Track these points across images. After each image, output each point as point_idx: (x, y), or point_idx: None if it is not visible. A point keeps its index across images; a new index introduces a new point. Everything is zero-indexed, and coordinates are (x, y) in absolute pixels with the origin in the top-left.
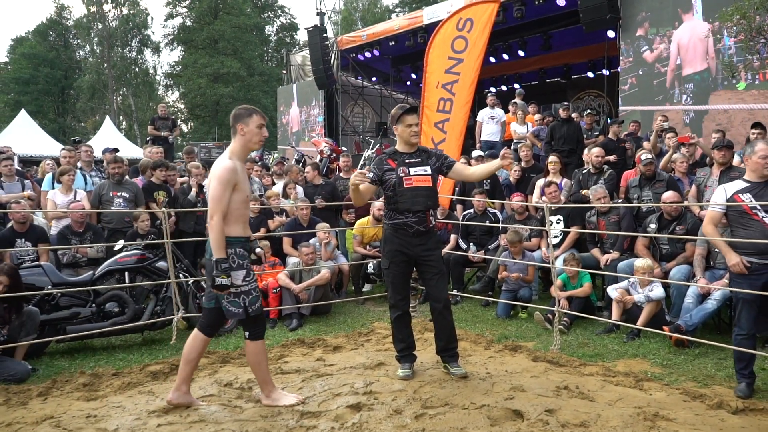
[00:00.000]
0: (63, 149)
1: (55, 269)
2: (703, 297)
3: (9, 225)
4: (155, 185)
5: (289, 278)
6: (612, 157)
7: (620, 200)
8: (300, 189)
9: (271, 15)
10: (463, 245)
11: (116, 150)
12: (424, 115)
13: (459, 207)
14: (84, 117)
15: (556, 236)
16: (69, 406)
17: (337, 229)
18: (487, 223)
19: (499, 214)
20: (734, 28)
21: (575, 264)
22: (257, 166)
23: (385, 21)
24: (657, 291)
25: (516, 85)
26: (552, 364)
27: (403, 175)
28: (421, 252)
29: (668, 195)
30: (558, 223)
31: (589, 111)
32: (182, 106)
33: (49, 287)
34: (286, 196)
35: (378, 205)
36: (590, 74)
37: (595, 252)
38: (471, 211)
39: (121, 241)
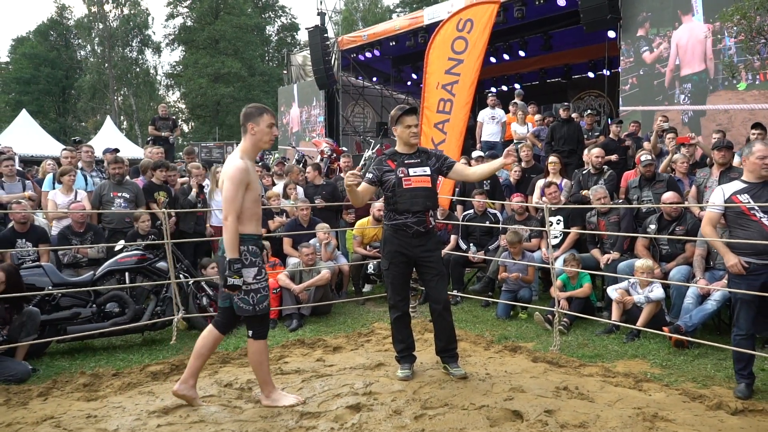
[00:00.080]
0: (64, 149)
1: (56, 269)
2: (703, 298)
3: (10, 225)
4: (156, 186)
5: (289, 278)
6: (613, 157)
7: (620, 201)
8: (300, 189)
9: (272, 15)
10: (463, 246)
11: (117, 150)
12: (424, 115)
13: (459, 207)
14: (85, 117)
15: (556, 237)
16: (69, 407)
17: (337, 230)
18: (487, 224)
19: (499, 214)
20: (734, 28)
21: (575, 264)
22: (258, 167)
23: (385, 21)
24: (657, 292)
25: (516, 86)
26: (552, 365)
27: (402, 175)
28: (421, 253)
29: (668, 195)
30: (558, 223)
31: (589, 111)
32: (183, 106)
33: (50, 287)
34: (286, 196)
35: (378, 205)
36: (591, 74)
37: (595, 252)
38: (471, 211)
39: (122, 242)
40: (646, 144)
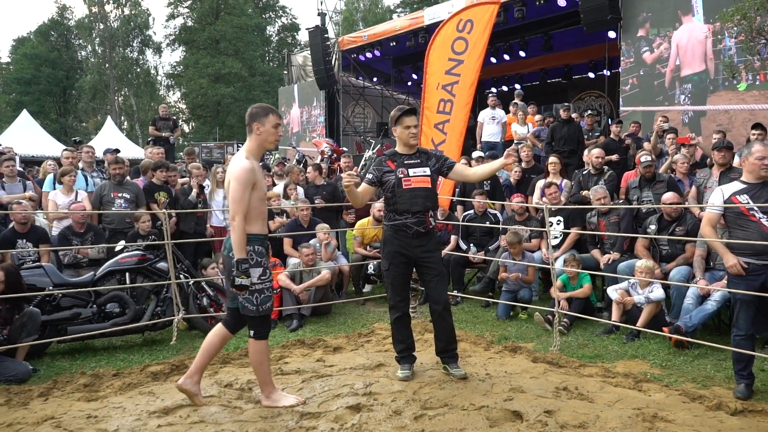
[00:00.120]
0: (64, 150)
1: (56, 270)
2: (703, 298)
3: (10, 226)
4: (156, 186)
5: (289, 279)
6: (614, 157)
7: (620, 201)
8: (300, 190)
9: (273, 15)
10: (464, 246)
11: (117, 151)
12: (425, 116)
13: (459, 208)
14: (85, 117)
15: (556, 237)
16: (70, 407)
17: (337, 230)
18: (488, 224)
19: (499, 215)
20: (735, 28)
21: (576, 265)
22: None
23: (386, 21)
24: (657, 292)
25: (517, 86)
26: (551, 365)
27: (401, 176)
28: (421, 253)
29: (668, 196)
30: (558, 224)
31: (590, 112)
32: (183, 107)
33: (50, 288)
34: (286, 196)
35: (378, 206)
36: (591, 75)
37: (595, 253)
38: (471, 212)
39: (122, 242)
40: (646, 144)
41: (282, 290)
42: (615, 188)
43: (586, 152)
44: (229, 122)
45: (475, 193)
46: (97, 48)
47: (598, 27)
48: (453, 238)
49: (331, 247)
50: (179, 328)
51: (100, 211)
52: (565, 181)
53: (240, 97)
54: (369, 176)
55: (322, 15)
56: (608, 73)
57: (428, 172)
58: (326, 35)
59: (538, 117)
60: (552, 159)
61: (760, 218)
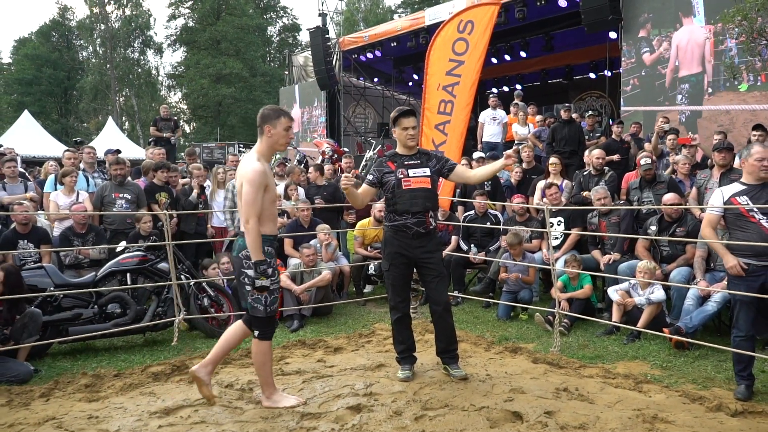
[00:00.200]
0: (66, 150)
1: (58, 270)
2: (704, 299)
3: (12, 226)
4: (157, 187)
5: (290, 279)
6: (615, 157)
7: (621, 202)
8: (301, 190)
9: (274, 16)
10: (464, 247)
11: (118, 151)
12: (425, 117)
13: (460, 208)
14: (87, 118)
15: (556, 238)
16: (71, 407)
17: (338, 231)
18: (488, 225)
19: (500, 215)
20: (736, 29)
21: (576, 265)
22: None
23: (387, 22)
24: (658, 293)
25: (517, 86)
26: (552, 366)
27: (401, 176)
28: (421, 254)
29: (669, 197)
30: (559, 224)
31: (590, 112)
32: (185, 107)
33: (52, 288)
34: (287, 197)
35: (379, 206)
36: (592, 75)
37: (596, 253)
38: (472, 212)
39: (123, 243)
40: (647, 145)
41: (283, 291)
42: (616, 189)
43: (586, 153)
44: (230, 123)
45: (475, 193)
46: (98, 48)
47: (599, 27)
48: (454, 238)
49: (331, 248)
50: (180, 329)
51: (102, 212)
52: (565, 181)
53: (241, 98)
54: (369, 177)
55: (323, 15)
56: (609, 74)
57: (428, 173)
58: (327, 36)
59: (538, 117)
60: (553, 159)
61: (759, 219)
